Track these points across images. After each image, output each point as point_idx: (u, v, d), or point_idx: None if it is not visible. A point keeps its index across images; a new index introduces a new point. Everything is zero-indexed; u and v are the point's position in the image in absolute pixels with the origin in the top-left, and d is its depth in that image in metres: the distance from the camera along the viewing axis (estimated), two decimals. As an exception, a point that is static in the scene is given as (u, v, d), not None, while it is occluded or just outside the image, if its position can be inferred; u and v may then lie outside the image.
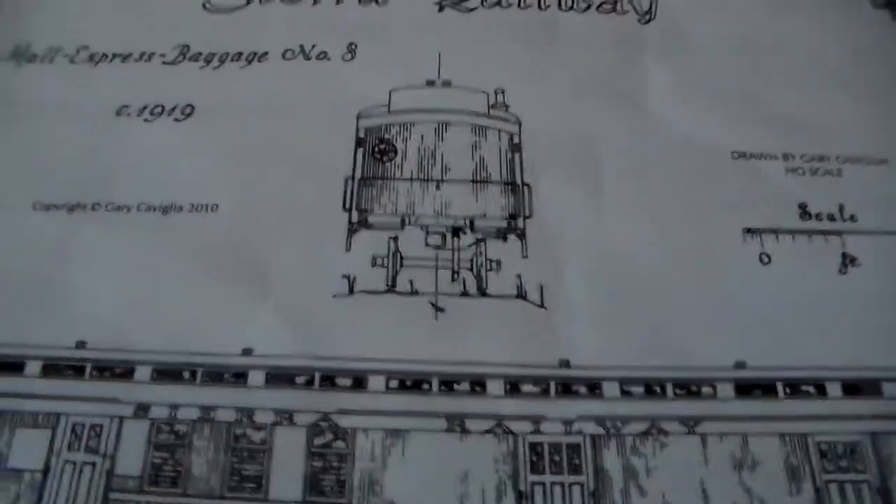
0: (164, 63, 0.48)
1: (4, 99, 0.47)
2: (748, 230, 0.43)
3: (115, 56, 0.48)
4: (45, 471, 0.37)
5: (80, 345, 0.39)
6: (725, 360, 0.40)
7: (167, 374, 0.39)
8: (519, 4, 0.50)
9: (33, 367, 0.39)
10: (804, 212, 0.44)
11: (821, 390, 0.39)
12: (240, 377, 0.39)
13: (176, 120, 0.46)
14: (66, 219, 0.43)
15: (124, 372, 0.39)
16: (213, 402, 0.38)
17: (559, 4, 0.50)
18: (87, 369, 0.39)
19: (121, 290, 0.41)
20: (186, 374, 0.39)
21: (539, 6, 0.50)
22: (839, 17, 0.51)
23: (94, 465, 0.37)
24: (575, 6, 0.50)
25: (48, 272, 0.41)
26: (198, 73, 0.47)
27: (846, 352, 0.40)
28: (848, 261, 0.43)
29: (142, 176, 0.44)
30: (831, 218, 0.44)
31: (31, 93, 0.47)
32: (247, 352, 0.39)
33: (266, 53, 0.48)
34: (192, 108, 0.46)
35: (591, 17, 0.50)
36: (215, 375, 0.39)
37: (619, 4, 0.50)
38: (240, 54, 0.48)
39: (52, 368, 0.39)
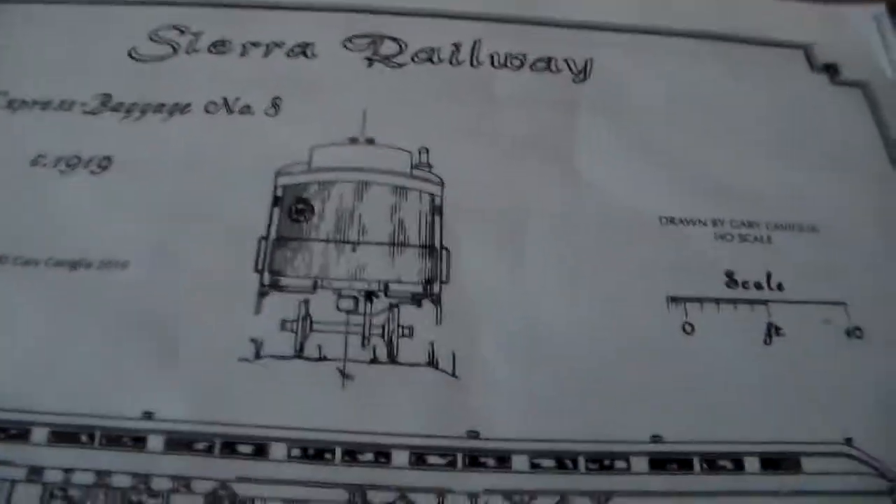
0: (84, 112, 0.48)
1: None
2: (673, 298, 0.43)
3: (35, 103, 0.48)
4: (-73, 541, 0.36)
5: (-25, 404, 0.39)
6: (642, 433, 0.40)
7: (64, 436, 0.38)
8: (451, 61, 0.50)
9: (-79, 426, 0.39)
10: (731, 280, 0.44)
11: (738, 465, 0.39)
12: (139, 441, 0.38)
13: (92, 172, 0.46)
14: (-28, 271, 0.43)
15: (19, 433, 0.38)
16: (110, 466, 0.38)
17: (492, 62, 0.51)
18: (-20, 430, 0.39)
19: (21, 348, 0.40)
20: (84, 437, 0.38)
21: (471, 63, 0.51)
22: (777, 80, 0.52)
23: (-20, 533, 0.37)
24: (508, 64, 0.51)
25: (-52, 328, 0.41)
26: (118, 125, 0.47)
27: (767, 425, 0.40)
28: (773, 331, 0.43)
29: (53, 230, 0.43)
30: (758, 286, 0.44)
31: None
32: (147, 415, 0.39)
33: (189, 105, 0.48)
34: (110, 160, 0.46)
35: (524, 76, 0.50)
36: (113, 439, 0.38)
37: (553, 63, 0.51)
38: (162, 105, 0.48)
39: (-60, 428, 0.39)
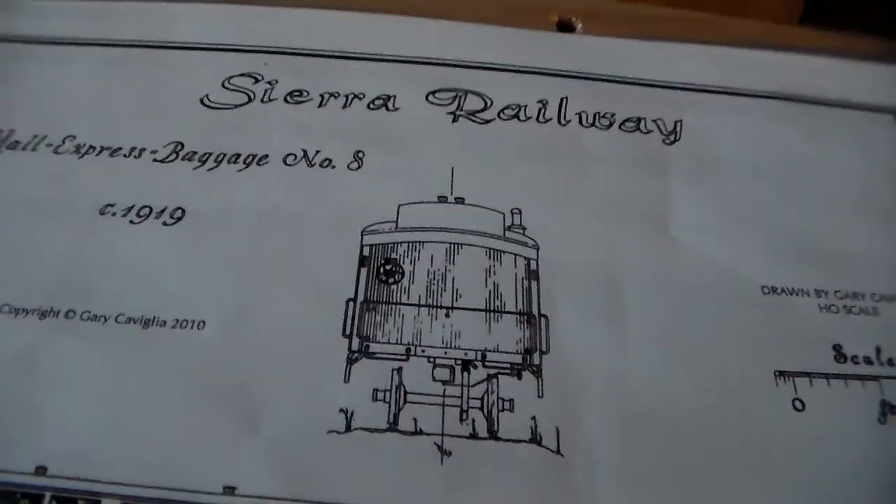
0: (154, 160, 0.45)
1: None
2: (781, 373, 0.41)
3: (102, 149, 0.45)
4: None
5: (40, 470, 0.36)
6: (759, 515, 0.37)
7: (137, 510, 0.35)
8: (538, 118, 0.48)
9: (-16, 496, 0.35)
10: (839, 354, 0.42)
11: (857, 554, 0.37)
12: (219, 519, 0.35)
13: (164, 224, 0.43)
14: (36, 325, 0.40)
15: (88, 505, 0.35)
16: (188, 546, 0.34)
17: (580, 121, 0.49)
18: (46, 499, 0.35)
19: (91, 411, 0.37)
20: (159, 513, 0.35)
21: (559, 121, 0.48)
22: (867, 144, 0.50)
23: None
24: (597, 123, 0.49)
25: (10, 384, 0.38)
26: (190, 174, 0.45)
27: (888, 508, 0.38)
28: (888, 409, 0.40)
29: (123, 284, 0.41)
30: (868, 361, 0.42)
31: (9, 183, 0.44)
32: (229, 490, 0.36)
33: (266, 156, 0.46)
34: (183, 211, 0.43)
35: (613, 136, 0.48)
36: (192, 516, 0.35)
37: (642, 123, 0.49)
38: (237, 155, 0.45)
39: (5, 496, 0.35)
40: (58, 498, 0.35)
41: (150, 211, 0.43)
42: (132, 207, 0.43)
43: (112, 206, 0.43)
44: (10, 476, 0.36)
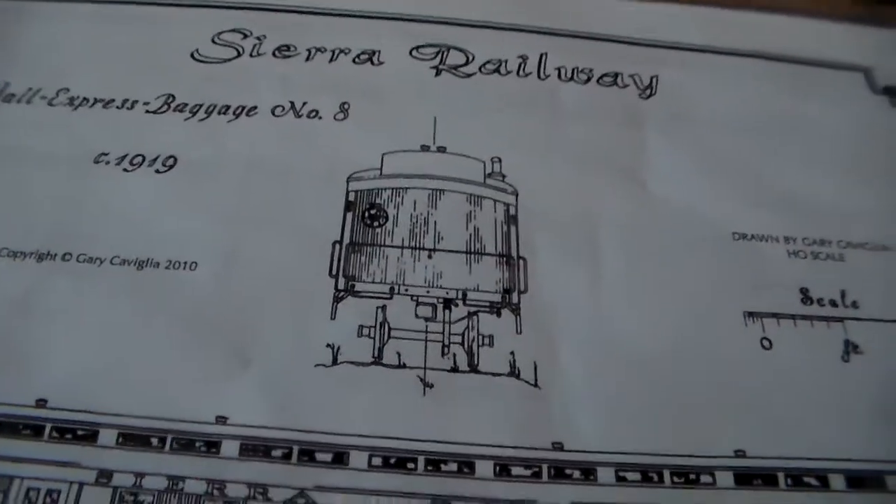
0: (147, 112, 0.47)
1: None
2: (750, 313, 0.43)
3: (96, 101, 0.47)
4: (-8, 540, 0.35)
5: (41, 403, 0.38)
6: (725, 447, 0.39)
7: (134, 439, 0.37)
8: (518, 73, 0.51)
9: (-14, 426, 0.37)
10: (806, 296, 0.44)
11: (823, 482, 0.39)
12: (212, 447, 0.37)
13: (157, 171, 0.45)
14: (34, 268, 0.42)
15: (87, 435, 0.37)
16: (183, 472, 0.37)
17: (559, 75, 0.51)
18: (47, 430, 0.37)
19: (88, 347, 0.39)
20: (155, 441, 0.37)
21: (539, 76, 0.51)
22: (838, 101, 0.52)
23: (47, 536, 0.35)
24: (575, 78, 0.51)
25: (11, 324, 0.40)
26: (182, 124, 0.47)
27: (849, 442, 0.40)
28: (850, 348, 0.43)
29: (117, 227, 0.43)
30: (833, 304, 0.44)
31: (5, 134, 0.46)
32: (221, 420, 0.38)
33: (255, 108, 0.48)
34: (175, 159, 0.45)
35: (591, 90, 0.50)
36: (186, 443, 0.37)
37: (619, 78, 0.51)
38: (227, 107, 0.48)
39: (8, 427, 0.37)
40: (57, 428, 0.38)
41: (143, 159, 0.45)
42: (126, 156, 0.45)
43: (106, 154, 0.45)
44: (11, 408, 0.38)
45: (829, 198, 0.48)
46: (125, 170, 0.45)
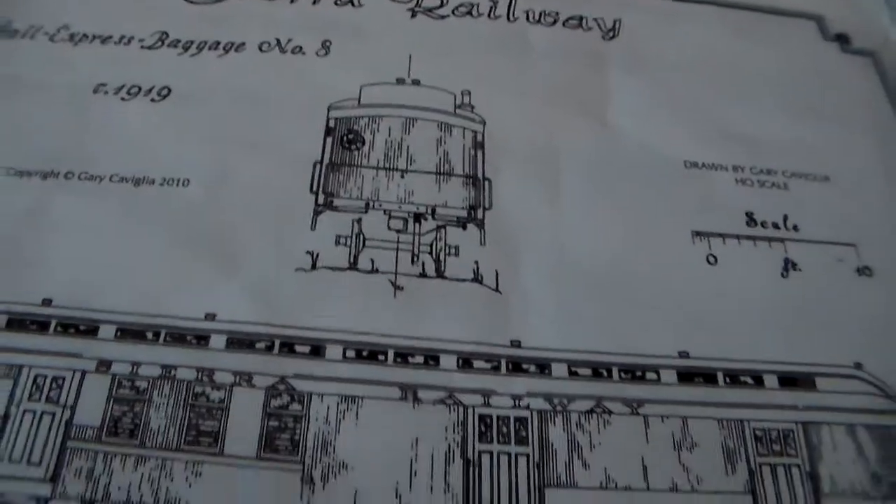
0: (142, 47, 0.52)
1: (-18, 69, 0.51)
2: (697, 233, 0.48)
3: (94, 37, 0.52)
4: (4, 418, 0.40)
5: (46, 302, 0.43)
6: (670, 349, 0.44)
7: (130, 333, 0.42)
8: (489, 15, 0.55)
9: (-2, 321, 0.42)
10: (751, 219, 0.49)
11: (758, 381, 0.44)
12: (202, 340, 0.42)
13: (152, 100, 0.50)
14: (39, 185, 0.46)
15: (88, 329, 0.42)
16: (175, 361, 0.41)
17: (527, 17, 0.55)
18: (52, 325, 0.42)
19: (90, 254, 0.44)
20: (149, 335, 0.42)
21: (508, 18, 0.55)
22: (791, 47, 0.57)
23: (53, 414, 0.40)
24: (542, 20, 0.55)
25: (19, 234, 0.45)
26: (175, 59, 0.51)
27: (784, 348, 0.45)
28: (790, 266, 0.48)
29: (116, 149, 0.48)
30: (776, 226, 0.49)
31: (9, 66, 0.51)
32: (210, 316, 0.43)
33: (243, 44, 0.52)
34: (169, 90, 0.50)
35: (557, 32, 0.55)
36: (178, 337, 0.42)
37: (584, 21, 0.56)
38: (217, 43, 0.52)
39: (17, 323, 0.42)
40: (61, 324, 0.42)
41: (140, 90, 0.50)
42: (123, 86, 0.50)
43: (104, 85, 0.50)
44: (20, 307, 0.42)
45: (778, 133, 0.52)
46: (122, 99, 0.50)
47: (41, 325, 0.42)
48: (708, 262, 0.47)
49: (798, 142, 0.52)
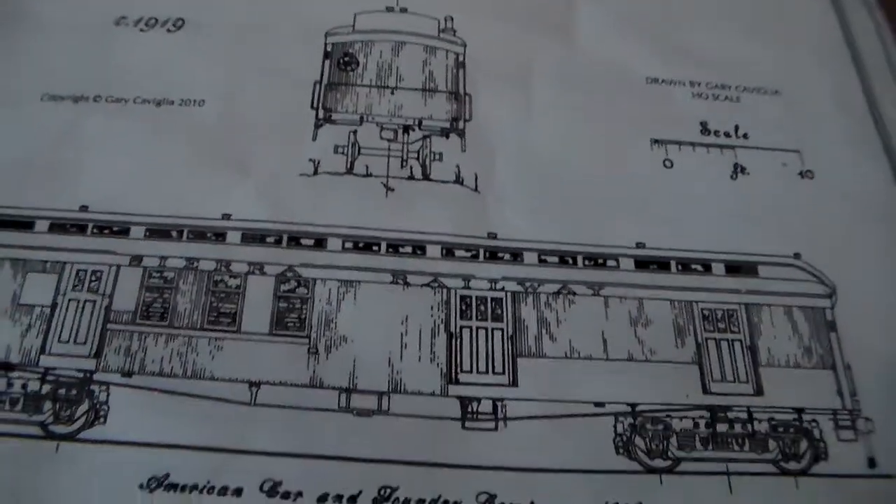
0: (158, -16, 0.58)
1: (15, 9, 0.57)
2: (655, 140, 0.55)
3: None
4: (53, 306, 0.47)
5: (83, 208, 0.50)
6: (629, 241, 0.51)
7: (158, 232, 0.49)
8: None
9: (42, 226, 0.49)
10: (704, 128, 0.55)
11: (707, 269, 0.51)
12: (219, 236, 0.49)
13: (168, 31, 0.56)
14: (71, 108, 0.53)
15: (121, 230, 0.49)
16: (197, 254, 0.48)
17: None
18: (89, 227, 0.49)
19: (119, 166, 0.51)
20: (174, 233, 0.49)
21: (486, -50, 0.61)
22: None
23: (94, 302, 0.47)
24: (517, -50, 0.61)
25: (56, 150, 0.51)
26: (189, -6, 0.58)
27: (731, 240, 0.51)
28: (739, 169, 0.54)
29: (138, 75, 0.54)
30: (727, 135, 0.55)
31: (39, 5, 0.57)
32: (226, 216, 0.50)
33: (250, -22, 0.59)
34: (183, 21, 0.57)
35: (531, -40, 0.61)
36: (199, 234, 0.49)
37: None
38: None
39: (59, 227, 0.49)
40: (97, 227, 0.49)
41: (157, 21, 0.56)
42: (141, 19, 0.57)
43: (125, 18, 0.57)
44: (62, 213, 0.49)
45: (733, 52, 0.59)
46: (141, 30, 0.56)
47: (80, 228, 0.49)
48: (664, 165, 0.54)
49: (751, 59, 0.59)
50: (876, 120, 0.57)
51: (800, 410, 0.47)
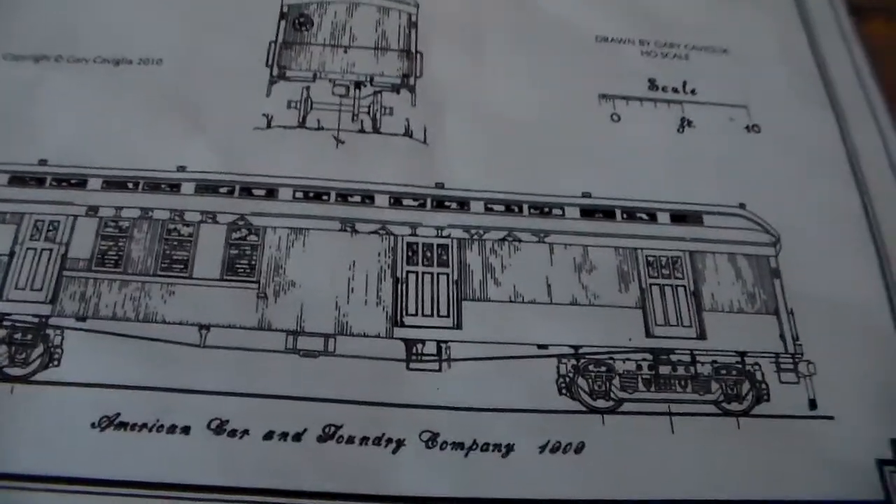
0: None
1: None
2: (603, 95, 0.56)
3: None
4: (11, 255, 0.48)
5: (42, 162, 0.51)
6: (575, 190, 0.52)
7: (114, 184, 0.50)
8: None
9: (1, 178, 0.50)
10: (653, 85, 0.57)
11: (652, 218, 0.52)
12: (174, 187, 0.50)
13: (129, -7, 0.58)
14: (32, 67, 0.54)
15: (78, 183, 0.50)
16: (151, 205, 0.50)
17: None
18: (48, 180, 0.50)
19: (78, 122, 0.52)
20: (130, 185, 0.50)
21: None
22: None
23: (51, 251, 0.48)
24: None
25: (17, 108, 0.53)
26: (147, -43, 0.59)
27: (677, 191, 0.53)
28: (685, 123, 0.55)
29: (97, 35, 0.56)
30: (675, 91, 0.57)
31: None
32: (181, 168, 0.51)
33: (206, -59, 0.60)
34: (142, -19, 0.58)
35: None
36: (154, 185, 0.50)
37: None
38: None
39: (18, 179, 0.50)
40: (56, 179, 0.50)
41: None
42: None
43: (86, -20, 0.58)
44: (21, 167, 0.51)
45: (683, 11, 0.60)
46: (102, -7, 0.58)
47: (38, 181, 0.50)
48: (612, 119, 0.55)
49: (701, 18, 0.60)
50: (822, 75, 0.58)
51: (742, 354, 0.48)
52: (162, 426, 0.44)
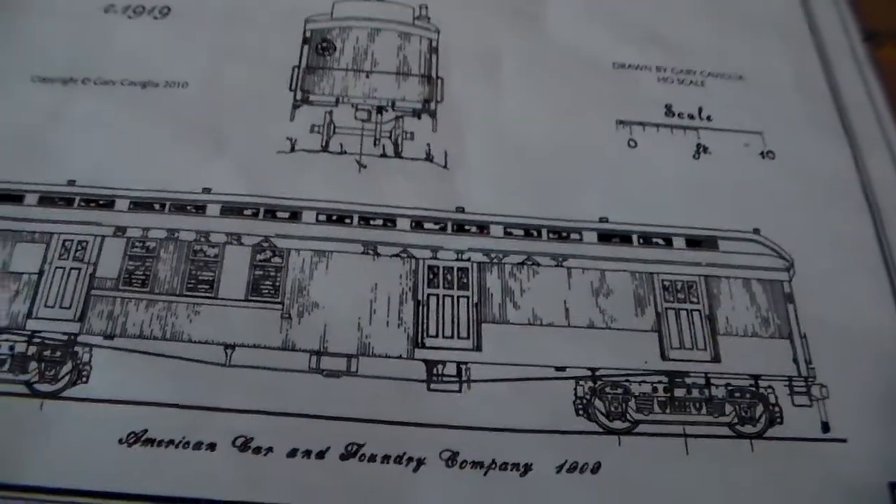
0: (144, -24, 0.61)
1: (9, -1, 0.60)
2: (620, 121, 0.57)
3: None
4: (40, 274, 0.50)
5: (71, 182, 0.52)
6: (592, 215, 0.53)
7: (142, 205, 0.52)
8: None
9: (31, 199, 0.51)
10: (669, 111, 0.58)
11: (668, 242, 0.53)
12: (200, 209, 0.52)
13: (154, 18, 0.59)
14: (60, 89, 0.56)
15: (106, 203, 0.52)
16: (177, 226, 0.51)
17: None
18: (76, 200, 0.52)
19: (106, 143, 0.54)
20: (157, 206, 0.52)
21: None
22: None
23: (79, 270, 0.50)
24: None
25: (46, 129, 0.54)
26: (172, -17, 0.61)
27: (692, 216, 0.54)
28: (701, 149, 0.57)
29: (125, 59, 0.57)
30: (691, 117, 0.58)
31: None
32: (206, 190, 0.52)
33: (232, -32, 0.62)
34: (168, 9, 0.59)
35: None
36: (180, 207, 0.52)
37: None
38: None
39: (47, 200, 0.52)
40: (84, 200, 0.52)
41: (143, 9, 0.59)
42: (129, 6, 0.59)
43: (113, 6, 0.60)
44: (50, 187, 0.52)
45: (699, 38, 0.61)
46: (129, 17, 0.59)
47: (67, 201, 0.52)
48: (629, 145, 0.56)
49: (716, 45, 0.61)
50: (836, 101, 0.59)
51: (756, 377, 0.49)
52: (188, 443, 0.45)
